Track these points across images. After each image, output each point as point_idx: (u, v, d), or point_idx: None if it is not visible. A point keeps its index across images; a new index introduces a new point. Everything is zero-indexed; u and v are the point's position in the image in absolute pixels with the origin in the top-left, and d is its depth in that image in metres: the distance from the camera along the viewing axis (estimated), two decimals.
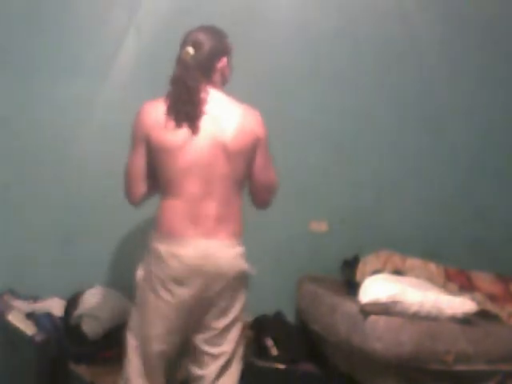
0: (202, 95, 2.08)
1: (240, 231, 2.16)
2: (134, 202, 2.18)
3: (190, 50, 2.09)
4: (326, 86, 3.33)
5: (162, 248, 2.07)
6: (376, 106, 3.42)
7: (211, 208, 2.08)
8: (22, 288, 2.92)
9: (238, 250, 2.14)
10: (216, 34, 2.17)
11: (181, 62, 2.09)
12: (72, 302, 2.81)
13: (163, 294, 2.06)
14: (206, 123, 2.07)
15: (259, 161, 2.17)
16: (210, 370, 2.14)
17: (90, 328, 2.68)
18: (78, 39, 3.03)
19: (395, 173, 3.46)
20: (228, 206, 2.11)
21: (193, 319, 2.11)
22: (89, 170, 3.04)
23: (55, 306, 2.84)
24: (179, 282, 2.05)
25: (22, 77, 2.98)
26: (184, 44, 2.12)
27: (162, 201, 2.12)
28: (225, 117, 2.09)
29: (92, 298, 2.80)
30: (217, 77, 2.16)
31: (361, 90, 3.39)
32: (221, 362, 2.15)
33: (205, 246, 2.07)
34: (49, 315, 2.78)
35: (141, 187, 2.14)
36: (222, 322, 2.13)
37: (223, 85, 2.20)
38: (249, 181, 2.21)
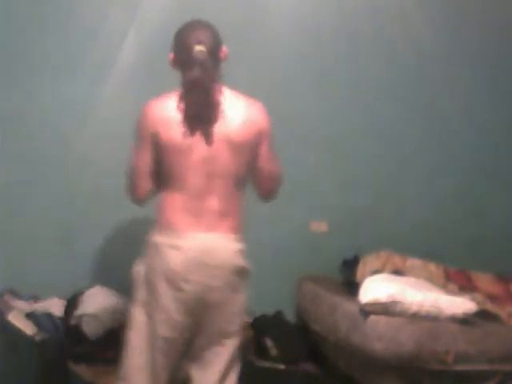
0: (218, 95, 2.06)
1: (240, 227, 2.16)
2: (140, 199, 2.16)
3: (202, 47, 2.03)
4: (324, 84, 3.33)
5: (162, 240, 2.07)
6: (375, 105, 3.41)
7: (213, 203, 2.09)
8: (22, 288, 2.92)
9: (238, 245, 2.13)
10: (208, 25, 2.12)
11: (196, 62, 2.01)
12: (72, 302, 2.81)
13: (162, 287, 2.05)
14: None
15: (264, 152, 2.17)
16: (211, 370, 2.13)
17: (90, 328, 2.68)
18: (79, 39, 3.03)
19: (395, 172, 3.46)
20: (229, 202, 2.11)
21: (193, 317, 2.08)
22: (89, 169, 3.03)
23: (55, 306, 2.84)
24: (178, 274, 2.04)
25: (23, 77, 2.98)
26: (187, 45, 2.05)
27: (164, 194, 2.11)
28: (229, 110, 2.07)
29: (92, 298, 2.80)
30: (220, 68, 2.12)
31: (360, 90, 3.38)
32: (222, 361, 2.14)
33: (204, 238, 2.07)
34: (49, 315, 2.77)
35: (148, 184, 2.12)
36: (221, 322, 2.12)
37: None
38: (254, 172, 2.20)
